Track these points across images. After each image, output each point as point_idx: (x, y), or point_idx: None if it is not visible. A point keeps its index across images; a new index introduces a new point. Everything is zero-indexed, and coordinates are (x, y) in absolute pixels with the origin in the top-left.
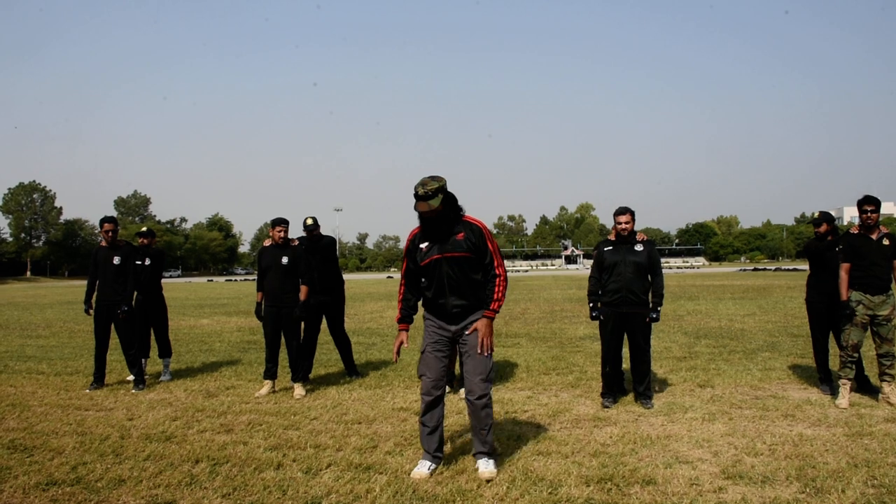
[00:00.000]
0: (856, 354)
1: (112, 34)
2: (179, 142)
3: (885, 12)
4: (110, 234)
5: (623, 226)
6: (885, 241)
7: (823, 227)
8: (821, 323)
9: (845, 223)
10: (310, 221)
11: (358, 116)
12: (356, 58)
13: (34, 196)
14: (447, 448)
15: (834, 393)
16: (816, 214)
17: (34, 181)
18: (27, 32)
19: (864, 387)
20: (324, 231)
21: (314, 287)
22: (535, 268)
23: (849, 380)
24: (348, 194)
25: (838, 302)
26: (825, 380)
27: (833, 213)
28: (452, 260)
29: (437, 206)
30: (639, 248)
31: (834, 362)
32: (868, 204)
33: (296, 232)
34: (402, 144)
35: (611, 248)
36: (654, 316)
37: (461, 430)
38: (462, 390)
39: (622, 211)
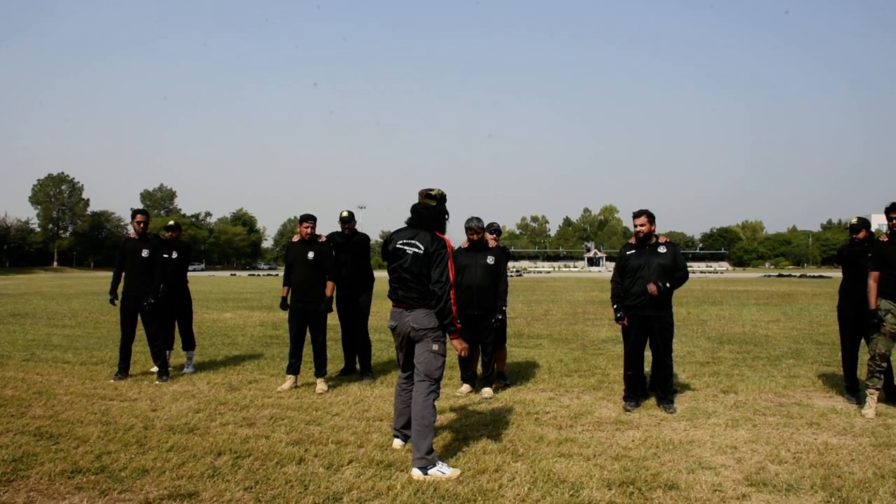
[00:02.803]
0: (884, 364)
1: (110, 31)
2: (206, 137)
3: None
4: (142, 224)
5: (639, 228)
6: None
7: (862, 234)
8: (851, 330)
9: (873, 230)
10: (345, 213)
11: (363, 118)
12: (357, 57)
13: (62, 187)
14: (468, 447)
15: (860, 402)
16: (855, 220)
17: (62, 172)
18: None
19: (892, 397)
20: None
21: (342, 282)
22: (557, 269)
23: (876, 389)
24: (373, 192)
25: (867, 310)
26: (852, 388)
27: None
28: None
29: None
30: (662, 249)
31: (862, 371)
32: (894, 211)
33: (330, 226)
34: (419, 145)
35: (634, 251)
36: (661, 284)
37: (481, 428)
38: (484, 389)
39: (638, 213)
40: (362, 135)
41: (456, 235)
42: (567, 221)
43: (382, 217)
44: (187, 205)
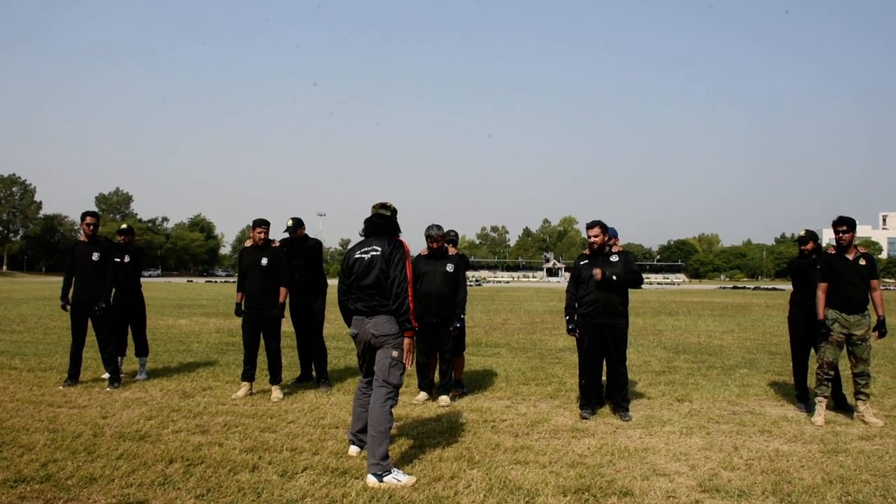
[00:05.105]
0: (831, 372)
1: (108, 31)
2: (165, 141)
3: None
4: (91, 227)
5: (593, 239)
6: (862, 262)
7: (810, 245)
8: (801, 340)
9: (823, 244)
10: (290, 223)
11: (354, 118)
12: (356, 58)
13: (13, 189)
14: (424, 455)
15: (810, 410)
16: (803, 233)
17: (14, 174)
18: (14, 23)
19: (840, 405)
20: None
21: (295, 288)
22: (516, 279)
23: (825, 397)
24: (333, 199)
25: (816, 320)
26: (802, 397)
27: None
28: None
29: None
30: (614, 258)
31: (811, 380)
32: (841, 225)
33: (279, 234)
34: (390, 149)
35: (587, 261)
36: (608, 273)
37: (437, 435)
38: (442, 397)
39: (592, 224)
40: (350, 139)
41: (413, 247)
42: (527, 232)
43: (343, 224)
44: (144, 210)
